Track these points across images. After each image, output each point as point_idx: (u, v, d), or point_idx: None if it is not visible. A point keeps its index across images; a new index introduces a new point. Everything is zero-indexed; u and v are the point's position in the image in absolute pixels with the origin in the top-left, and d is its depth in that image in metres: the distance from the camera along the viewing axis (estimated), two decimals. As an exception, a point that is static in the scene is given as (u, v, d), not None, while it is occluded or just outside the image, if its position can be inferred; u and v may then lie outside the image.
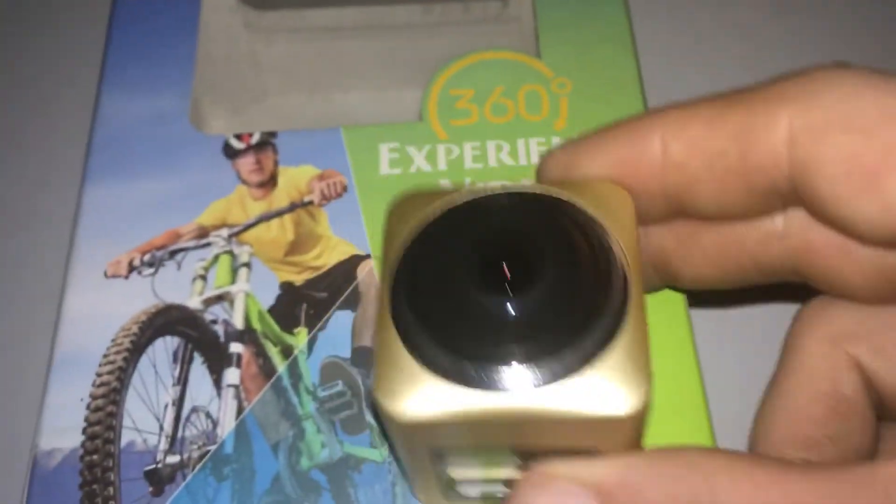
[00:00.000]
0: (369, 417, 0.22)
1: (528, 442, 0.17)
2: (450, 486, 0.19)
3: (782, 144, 0.16)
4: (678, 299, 0.22)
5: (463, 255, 0.17)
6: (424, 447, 0.17)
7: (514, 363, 0.16)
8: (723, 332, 0.27)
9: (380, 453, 0.21)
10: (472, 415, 0.16)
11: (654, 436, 0.19)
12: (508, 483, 0.19)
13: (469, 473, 0.18)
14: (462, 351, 0.16)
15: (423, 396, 0.16)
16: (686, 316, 0.22)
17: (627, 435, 0.17)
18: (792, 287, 0.20)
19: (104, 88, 0.27)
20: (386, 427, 0.17)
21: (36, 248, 0.27)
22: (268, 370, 0.22)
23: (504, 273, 0.16)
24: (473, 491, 0.19)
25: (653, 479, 0.14)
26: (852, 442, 0.18)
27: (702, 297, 0.24)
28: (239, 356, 0.23)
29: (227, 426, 0.22)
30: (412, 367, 0.16)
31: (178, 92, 0.27)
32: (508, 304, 0.16)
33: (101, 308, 0.23)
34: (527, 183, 0.19)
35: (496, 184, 0.19)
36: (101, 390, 0.22)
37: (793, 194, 0.17)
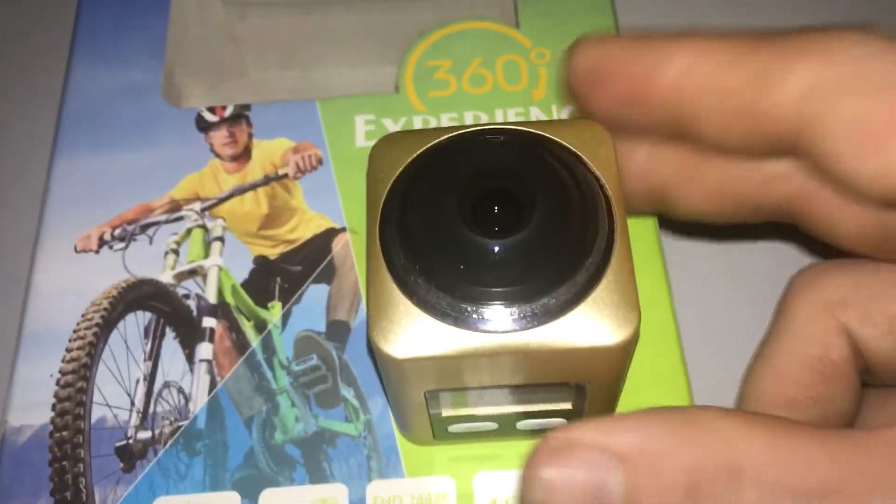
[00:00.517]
0: (344, 391, 0.21)
1: (520, 379, 0.17)
2: (440, 424, 0.19)
3: (793, 98, 0.16)
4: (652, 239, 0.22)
5: (452, 196, 0.17)
6: (417, 386, 0.17)
7: (507, 302, 0.16)
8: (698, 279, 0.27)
9: (354, 427, 0.21)
10: (466, 353, 0.16)
11: (633, 371, 0.19)
12: (497, 419, 0.19)
13: (459, 412, 0.19)
14: (455, 292, 0.16)
15: (417, 336, 0.16)
16: (661, 258, 0.22)
17: (617, 365, 0.17)
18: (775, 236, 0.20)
19: (74, 60, 0.26)
20: (380, 367, 0.17)
21: (4, 223, 0.27)
22: (241, 345, 0.22)
23: (495, 214, 0.16)
24: (462, 428, 0.19)
25: (674, 446, 0.14)
26: (835, 405, 0.19)
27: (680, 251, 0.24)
28: (212, 331, 0.22)
29: (199, 401, 0.21)
30: (405, 307, 0.16)
31: (150, 65, 0.26)
32: (499, 246, 0.16)
33: (70, 283, 0.23)
34: (511, 123, 0.19)
35: (480, 124, 0.18)
36: (71, 366, 0.22)
37: (797, 145, 0.17)
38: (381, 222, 0.17)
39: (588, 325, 0.16)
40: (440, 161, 0.18)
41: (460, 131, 0.18)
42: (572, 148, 0.18)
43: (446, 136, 0.18)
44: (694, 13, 0.37)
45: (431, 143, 0.18)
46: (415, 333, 0.16)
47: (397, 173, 0.18)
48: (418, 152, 0.18)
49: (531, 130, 0.18)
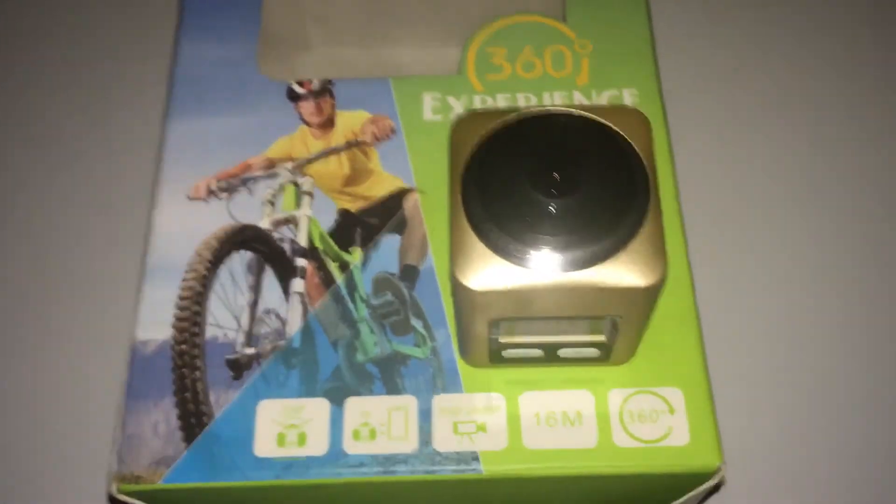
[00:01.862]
0: (414, 322, 0.26)
1: (567, 312, 0.22)
2: (497, 349, 0.23)
3: None
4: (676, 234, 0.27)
5: (521, 163, 0.21)
6: (484, 314, 0.22)
7: (561, 248, 0.20)
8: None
9: (422, 351, 0.25)
10: (527, 288, 0.21)
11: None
12: (543, 347, 0.24)
13: (514, 339, 0.23)
14: (520, 238, 0.20)
15: (489, 272, 0.20)
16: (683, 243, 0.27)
17: (646, 305, 0.22)
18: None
19: (182, 35, 0.30)
20: (455, 297, 0.22)
21: (128, 174, 0.31)
22: (328, 281, 0.27)
23: (554, 179, 0.21)
24: (514, 353, 0.24)
25: None
26: None
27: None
28: (304, 269, 0.27)
29: (294, 325, 0.26)
30: (481, 250, 0.21)
31: (247, 40, 0.30)
32: (556, 204, 0.21)
33: (184, 225, 0.27)
34: (569, 106, 0.23)
35: (545, 107, 0.23)
36: (188, 293, 0.26)
37: None
38: (463, 182, 0.22)
39: (624, 271, 0.21)
40: (510, 135, 0.22)
41: (527, 112, 0.22)
42: (616, 129, 0.22)
43: (514, 116, 0.22)
44: (720, 6, 0.41)
45: (503, 121, 0.22)
46: (487, 270, 0.21)
47: (476, 143, 0.22)
48: (492, 127, 0.22)
49: (584, 114, 0.22)
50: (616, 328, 0.23)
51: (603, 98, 0.29)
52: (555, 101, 0.29)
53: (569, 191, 0.21)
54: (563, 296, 0.21)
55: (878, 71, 0.40)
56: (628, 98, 0.29)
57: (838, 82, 0.40)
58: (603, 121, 0.22)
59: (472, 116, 0.23)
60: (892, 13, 0.41)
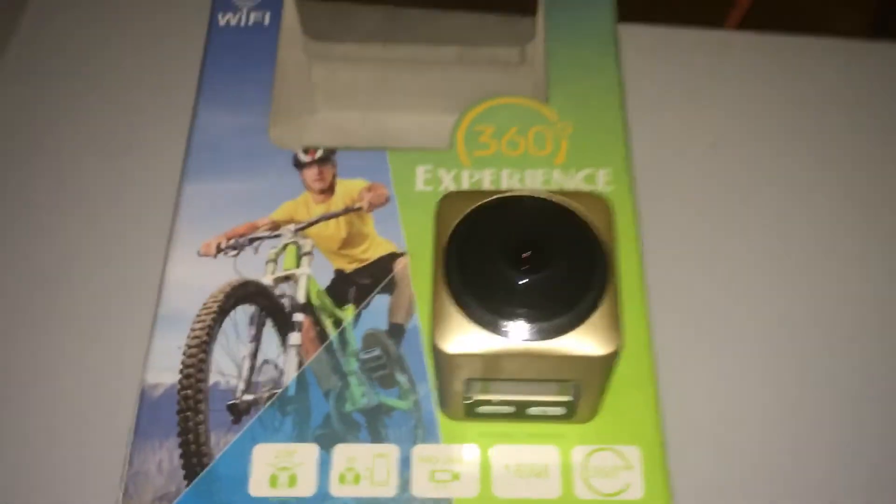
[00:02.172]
0: (399, 376, 0.28)
1: (534, 375, 0.24)
2: (471, 405, 0.26)
3: None
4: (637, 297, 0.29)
5: (496, 242, 0.24)
6: (460, 375, 0.24)
7: (529, 320, 0.23)
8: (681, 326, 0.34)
9: (406, 404, 0.28)
10: (498, 353, 0.23)
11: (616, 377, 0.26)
12: (513, 404, 0.26)
13: (487, 396, 0.26)
14: (493, 309, 0.23)
15: (466, 339, 0.23)
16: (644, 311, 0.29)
17: (604, 371, 0.24)
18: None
19: (201, 104, 0.33)
20: (435, 358, 0.24)
21: (144, 231, 0.34)
22: (322, 336, 0.29)
23: (525, 258, 0.23)
24: (487, 410, 0.26)
25: None
26: None
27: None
28: (301, 323, 0.29)
29: (290, 375, 0.28)
30: (459, 318, 0.23)
31: (259, 110, 0.33)
32: (527, 280, 0.23)
33: (194, 279, 0.30)
34: (541, 190, 0.26)
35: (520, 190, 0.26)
36: (194, 341, 0.29)
37: None
38: (445, 256, 0.24)
39: (584, 341, 0.23)
40: (488, 216, 0.25)
41: (504, 195, 0.25)
42: (582, 213, 0.25)
43: (493, 198, 0.25)
44: (698, 93, 0.44)
45: (482, 202, 0.25)
46: (463, 336, 0.23)
47: (457, 221, 0.25)
48: (473, 207, 0.25)
49: (553, 198, 0.25)
50: (579, 390, 0.25)
51: (579, 176, 0.32)
52: (536, 178, 0.32)
53: (537, 269, 0.24)
54: (529, 361, 0.24)
55: (855, 147, 0.43)
56: (602, 177, 0.32)
57: (812, 162, 0.43)
58: (570, 205, 0.25)
59: (455, 195, 0.26)
60: (868, 90, 0.44)
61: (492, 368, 0.24)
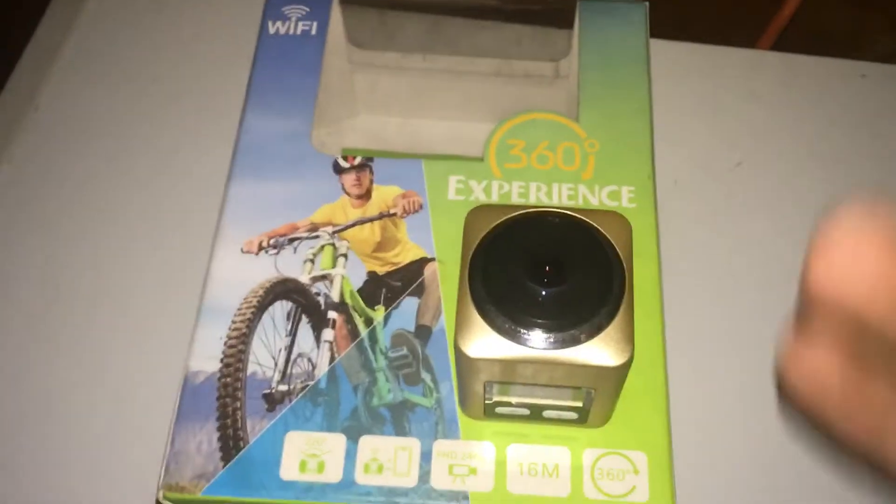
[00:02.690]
0: (423, 375, 0.30)
1: (549, 381, 0.26)
2: (490, 406, 0.28)
3: None
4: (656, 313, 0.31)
5: (519, 255, 0.26)
6: (480, 378, 0.26)
7: (547, 330, 0.25)
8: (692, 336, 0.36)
9: (429, 401, 0.30)
10: (517, 359, 0.25)
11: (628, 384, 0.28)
12: (529, 407, 0.28)
13: (505, 398, 0.27)
14: (514, 318, 0.25)
15: (486, 344, 0.25)
16: (661, 327, 0.31)
17: (615, 380, 0.26)
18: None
19: (248, 110, 0.35)
20: (457, 361, 0.26)
21: (192, 228, 0.36)
22: (354, 333, 0.31)
23: (546, 272, 0.25)
24: (505, 411, 0.28)
25: None
26: None
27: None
28: (334, 321, 0.31)
29: (322, 369, 0.30)
30: (480, 325, 0.25)
31: (303, 117, 0.35)
32: (547, 293, 0.25)
33: (236, 275, 0.32)
34: (563, 209, 0.28)
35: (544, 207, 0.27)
36: (235, 333, 0.31)
37: None
38: (471, 266, 0.26)
39: (598, 352, 0.25)
40: (513, 230, 0.26)
41: (528, 211, 0.27)
42: (602, 230, 0.27)
43: (519, 213, 0.27)
44: (726, 111, 0.45)
45: (508, 216, 0.27)
46: (484, 342, 0.25)
47: (483, 234, 0.27)
48: (499, 221, 0.27)
49: (575, 215, 0.27)
50: (591, 397, 0.27)
51: (604, 192, 0.33)
52: (562, 192, 0.33)
53: (557, 283, 0.25)
54: (545, 368, 0.25)
55: (882, 172, 0.44)
56: (626, 194, 0.33)
57: (838, 185, 0.44)
58: (590, 222, 0.27)
59: (483, 209, 0.27)
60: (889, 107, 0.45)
61: (510, 373, 0.26)
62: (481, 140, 0.35)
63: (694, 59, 0.47)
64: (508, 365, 0.25)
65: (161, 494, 0.28)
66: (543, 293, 0.25)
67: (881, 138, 0.45)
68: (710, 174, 0.44)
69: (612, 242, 0.26)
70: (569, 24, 0.38)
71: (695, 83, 0.46)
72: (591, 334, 0.25)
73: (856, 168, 0.44)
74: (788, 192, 0.43)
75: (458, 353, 0.26)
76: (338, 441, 0.29)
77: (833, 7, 0.64)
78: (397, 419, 0.29)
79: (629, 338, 0.25)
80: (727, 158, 0.44)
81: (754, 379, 0.37)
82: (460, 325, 0.25)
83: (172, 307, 0.37)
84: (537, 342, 0.25)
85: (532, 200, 0.33)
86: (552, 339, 0.25)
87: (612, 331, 0.25)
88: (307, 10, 0.38)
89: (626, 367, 0.25)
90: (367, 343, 0.31)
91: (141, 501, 0.34)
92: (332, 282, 0.32)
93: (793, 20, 0.49)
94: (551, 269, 0.25)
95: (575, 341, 0.25)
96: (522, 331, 0.25)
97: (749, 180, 0.44)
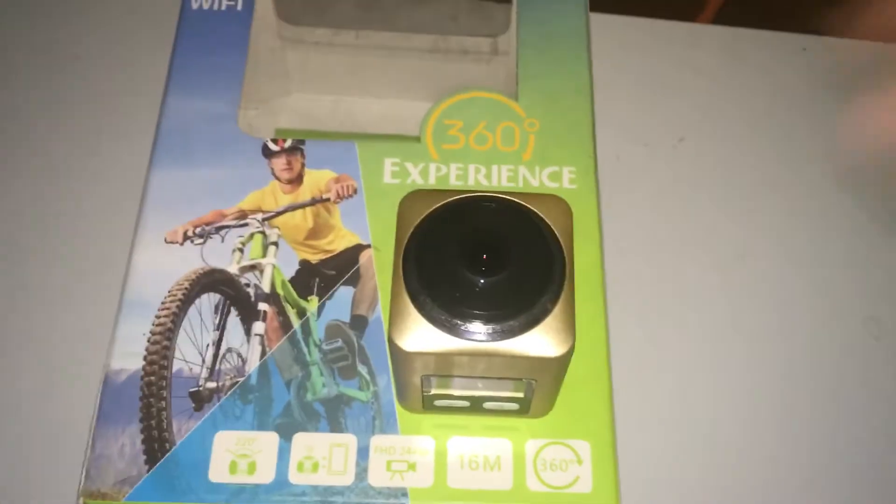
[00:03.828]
0: (360, 368, 0.29)
1: (488, 373, 0.25)
2: (428, 399, 0.27)
3: None
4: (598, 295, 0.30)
5: (454, 242, 0.24)
6: (417, 371, 0.25)
7: (484, 321, 0.24)
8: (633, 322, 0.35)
9: (365, 395, 0.29)
10: (453, 352, 0.24)
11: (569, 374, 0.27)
12: (469, 399, 0.27)
13: (443, 391, 0.26)
14: (450, 309, 0.24)
15: (421, 337, 0.24)
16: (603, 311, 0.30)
17: (556, 371, 0.25)
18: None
19: (171, 89, 0.33)
20: (392, 355, 0.25)
21: (111, 216, 0.34)
22: (286, 326, 0.30)
23: (483, 260, 0.24)
24: (444, 403, 0.27)
25: None
26: None
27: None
28: (265, 313, 0.30)
29: (252, 364, 0.29)
30: (415, 316, 0.24)
31: (229, 98, 0.34)
32: (483, 281, 0.24)
33: (160, 266, 0.30)
34: (501, 194, 0.27)
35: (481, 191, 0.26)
36: (159, 328, 0.29)
37: None
38: (404, 256, 0.25)
39: (538, 342, 0.24)
40: (449, 217, 0.25)
41: (464, 196, 0.26)
42: (541, 215, 0.26)
43: (454, 199, 0.26)
44: (668, 86, 0.44)
45: (444, 202, 0.26)
46: (419, 335, 0.24)
47: (418, 221, 0.25)
48: (434, 207, 0.26)
49: (514, 200, 0.26)
50: (532, 388, 0.26)
51: (545, 173, 0.32)
52: (502, 174, 0.32)
53: (494, 271, 0.24)
54: (484, 361, 0.24)
55: (822, 144, 0.44)
56: (567, 175, 0.32)
57: (779, 158, 0.43)
58: (529, 207, 0.26)
59: (418, 194, 0.26)
60: (837, 86, 0.45)
61: (448, 366, 0.25)
62: (418, 119, 0.34)
63: (634, 33, 0.46)
64: (446, 358, 0.24)
65: (81, 502, 0.27)
66: (481, 282, 0.24)
67: (824, 111, 0.45)
68: (652, 151, 0.43)
69: (552, 227, 0.25)
70: (507, -1, 0.37)
71: (635, 58, 0.45)
72: (531, 324, 0.24)
73: (798, 142, 0.44)
74: (731, 168, 0.43)
75: (393, 347, 0.24)
76: (270, 440, 0.28)
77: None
78: (332, 415, 0.28)
79: (570, 327, 0.24)
80: (669, 134, 0.44)
81: (699, 363, 0.37)
82: (394, 317, 0.24)
83: (91, 301, 0.35)
84: (475, 334, 0.24)
85: (471, 183, 0.32)
86: (490, 331, 0.24)
87: (553, 320, 0.24)
88: (232, -17, 0.36)
89: (567, 356, 0.24)
90: (300, 335, 0.29)
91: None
92: (262, 272, 0.31)
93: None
94: (489, 257, 0.24)
95: (515, 332, 0.24)
96: (459, 322, 0.24)
97: (692, 156, 0.43)
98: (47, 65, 0.43)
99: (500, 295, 0.24)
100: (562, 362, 0.25)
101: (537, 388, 0.26)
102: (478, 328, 0.24)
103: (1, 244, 0.38)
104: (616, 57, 0.44)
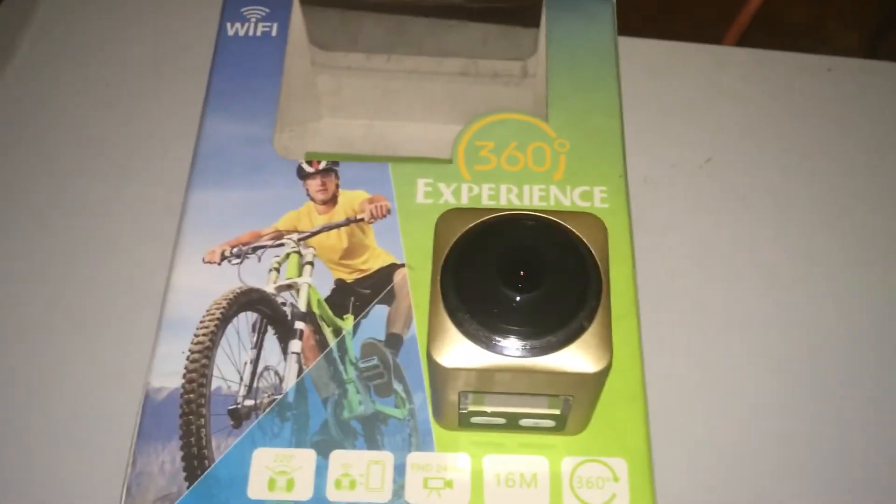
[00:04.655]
0: (395, 385, 0.29)
1: (525, 389, 0.25)
2: (465, 416, 0.27)
3: None
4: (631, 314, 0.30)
5: (492, 260, 0.25)
6: (454, 387, 0.25)
7: (522, 337, 0.24)
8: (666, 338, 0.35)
9: (401, 412, 0.29)
10: (491, 368, 0.24)
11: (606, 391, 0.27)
12: (505, 416, 0.27)
13: (480, 408, 0.26)
14: (488, 326, 0.24)
15: (459, 353, 0.24)
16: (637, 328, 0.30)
17: (593, 387, 0.25)
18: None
19: (208, 112, 0.34)
20: (430, 371, 0.25)
21: (151, 237, 0.35)
22: (322, 344, 0.30)
23: (520, 277, 0.24)
24: (480, 420, 0.27)
25: None
26: None
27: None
28: (301, 331, 0.30)
29: (290, 382, 0.29)
30: (454, 332, 0.24)
31: (265, 121, 0.34)
32: (521, 298, 0.24)
33: (198, 286, 0.31)
34: (536, 211, 0.27)
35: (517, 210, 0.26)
36: (198, 347, 0.30)
37: None
38: (442, 272, 0.25)
39: (575, 358, 0.24)
40: (486, 235, 0.26)
41: (500, 214, 0.26)
42: (577, 233, 0.26)
43: (491, 216, 0.26)
44: (695, 108, 0.45)
45: (480, 220, 0.26)
46: (458, 351, 0.24)
47: (455, 239, 0.26)
48: (471, 225, 0.26)
49: (549, 217, 0.26)
50: (569, 404, 0.26)
51: (576, 193, 0.33)
52: (533, 194, 0.33)
53: (532, 288, 0.24)
54: (521, 377, 0.25)
55: (849, 164, 0.44)
56: (598, 194, 0.33)
57: (808, 178, 0.44)
58: (565, 224, 0.26)
59: (454, 213, 0.26)
60: (863, 108, 0.45)
61: (485, 382, 0.25)
62: (449, 141, 0.34)
63: (660, 56, 0.47)
64: (484, 374, 0.24)
65: (122, 519, 0.27)
66: (518, 299, 0.24)
67: (849, 132, 0.45)
68: (679, 172, 0.43)
69: (588, 244, 0.26)
70: (535, 23, 0.37)
71: (661, 80, 0.46)
72: (569, 340, 0.24)
73: (824, 162, 0.44)
74: (758, 188, 0.43)
75: (432, 364, 0.25)
76: (307, 457, 0.28)
77: (793, 3, 0.65)
78: (369, 432, 0.28)
79: (607, 343, 0.24)
80: (696, 156, 0.44)
81: (730, 378, 0.37)
82: (433, 334, 0.24)
83: (131, 321, 0.36)
84: (513, 350, 0.24)
85: (503, 203, 0.32)
86: (528, 347, 0.24)
87: (590, 336, 0.24)
88: (267, 10, 0.37)
89: (605, 372, 0.24)
90: (336, 354, 0.30)
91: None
92: (298, 291, 0.31)
93: (755, 16, 0.48)
94: (526, 274, 0.25)
95: (552, 348, 0.24)
96: (497, 338, 0.24)
97: (718, 177, 0.43)
98: (91, 90, 0.44)
99: (538, 311, 0.24)
100: (599, 378, 0.25)
101: (574, 404, 0.26)
102: (515, 344, 0.24)
103: (44, 266, 0.39)
104: (642, 79, 0.44)
